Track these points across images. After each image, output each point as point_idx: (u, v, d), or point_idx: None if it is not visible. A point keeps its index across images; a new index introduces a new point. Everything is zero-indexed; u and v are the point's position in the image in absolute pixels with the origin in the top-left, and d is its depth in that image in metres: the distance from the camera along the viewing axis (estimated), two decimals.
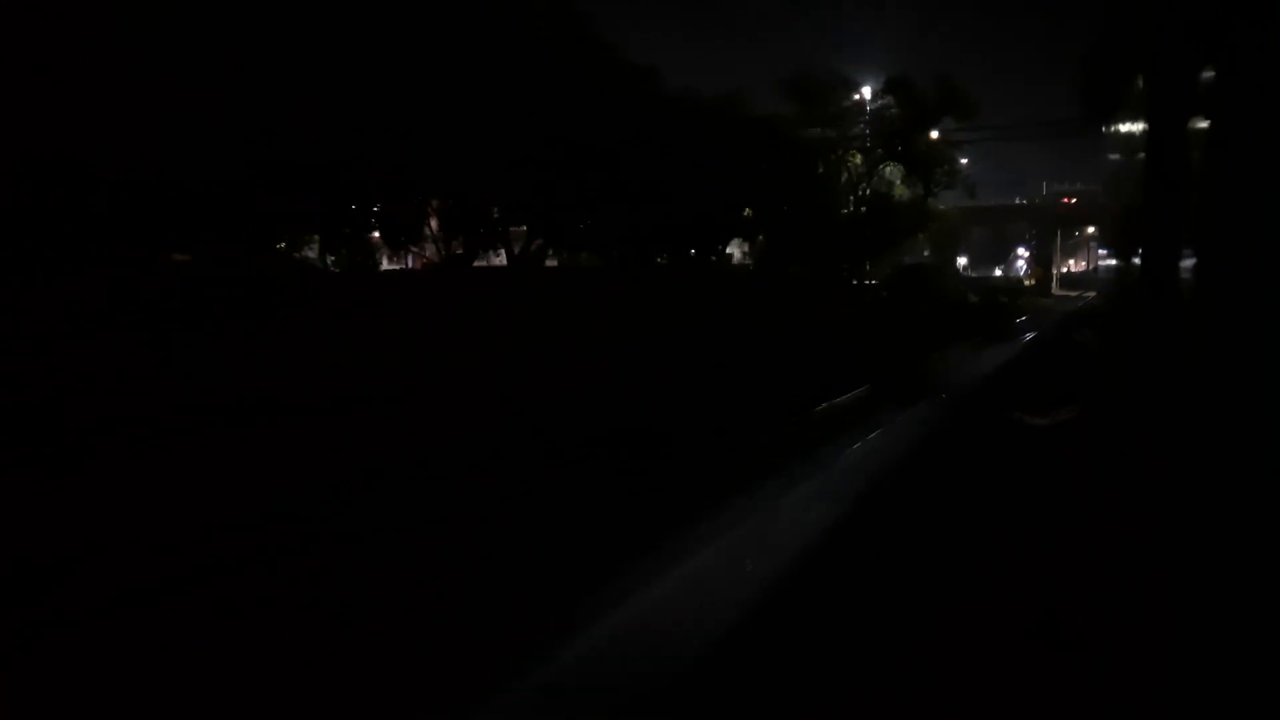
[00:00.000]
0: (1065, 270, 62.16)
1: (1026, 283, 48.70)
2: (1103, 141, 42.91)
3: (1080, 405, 7.69)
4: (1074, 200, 57.70)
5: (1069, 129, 31.19)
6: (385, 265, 23.06)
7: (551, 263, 25.53)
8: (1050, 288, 47.96)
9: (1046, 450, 6.60)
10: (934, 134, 31.43)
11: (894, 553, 4.43)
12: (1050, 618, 3.25)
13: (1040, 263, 51.60)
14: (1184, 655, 2.87)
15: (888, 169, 30.88)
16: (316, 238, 17.50)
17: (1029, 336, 21.22)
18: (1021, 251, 66.29)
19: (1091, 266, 60.50)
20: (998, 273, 63.56)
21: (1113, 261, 42.65)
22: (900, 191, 31.23)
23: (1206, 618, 3.07)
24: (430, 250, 22.06)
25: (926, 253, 48.16)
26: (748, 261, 32.04)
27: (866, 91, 32.03)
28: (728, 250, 31.46)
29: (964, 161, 33.32)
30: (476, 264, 23.53)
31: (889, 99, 30.94)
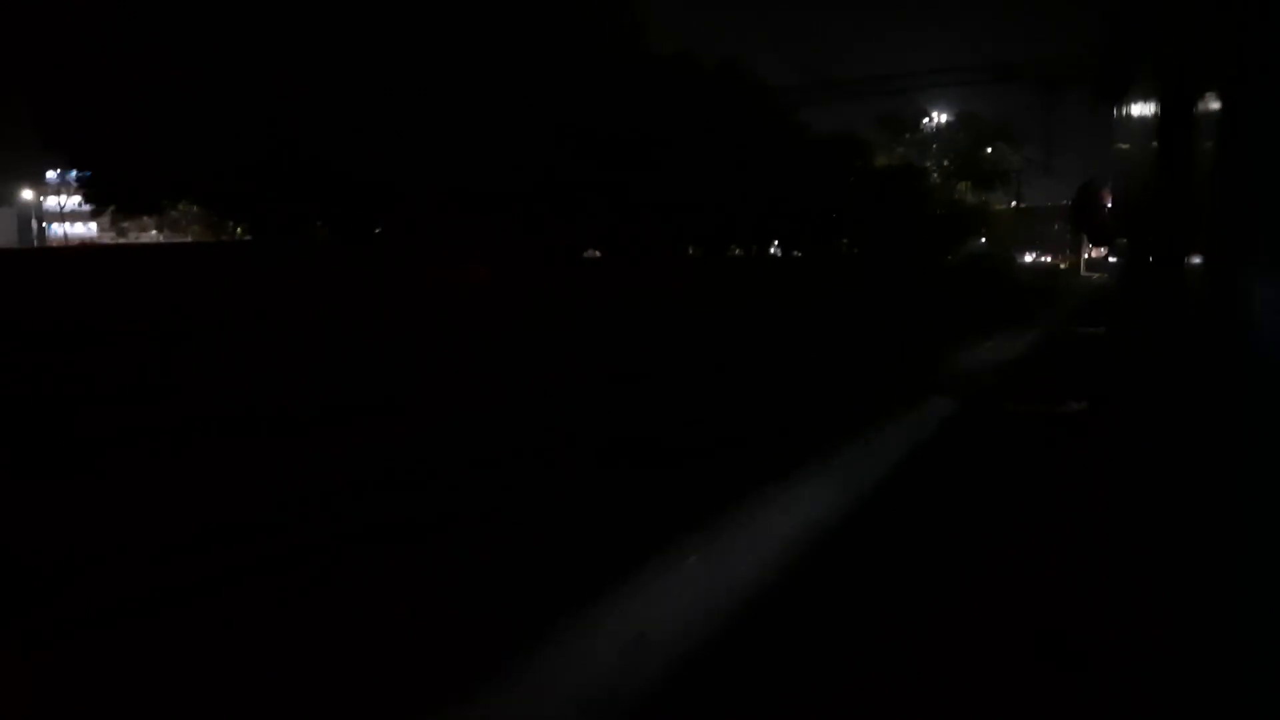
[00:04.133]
0: (1088, 256, 71.16)
1: (1062, 266, 58.47)
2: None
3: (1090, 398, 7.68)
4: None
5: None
6: None
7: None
8: (1080, 270, 57.49)
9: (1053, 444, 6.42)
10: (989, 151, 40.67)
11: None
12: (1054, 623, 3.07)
13: (1072, 250, 61.60)
14: (1185, 656, 2.78)
15: (960, 184, 40.28)
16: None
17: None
18: (1044, 258, 76.03)
19: (1109, 255, 69.35)
20: (1028, 258, 72.61)
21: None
22: (968, 198, 40.59)
23: (1209, 619, 2.97)
24: None
25: (969, 240, 57.46)
26: (855, 250, 41.19)
27: (940, 118, 41.33)
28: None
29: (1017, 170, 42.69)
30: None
31: (958, 126, 40.30)
